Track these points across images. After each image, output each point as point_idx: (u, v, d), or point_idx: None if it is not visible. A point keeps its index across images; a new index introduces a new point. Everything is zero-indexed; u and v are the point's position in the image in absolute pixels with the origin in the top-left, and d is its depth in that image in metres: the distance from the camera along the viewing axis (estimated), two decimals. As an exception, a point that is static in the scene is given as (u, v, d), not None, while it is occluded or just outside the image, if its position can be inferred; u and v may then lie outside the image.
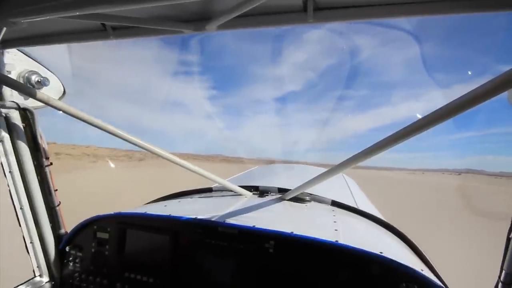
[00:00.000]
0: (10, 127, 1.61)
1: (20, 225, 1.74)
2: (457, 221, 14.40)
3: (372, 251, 1.29)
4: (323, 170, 1.70)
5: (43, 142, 1.75)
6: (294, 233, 1.41)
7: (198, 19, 1.15)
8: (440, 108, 1.06)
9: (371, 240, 1.65)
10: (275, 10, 1.06)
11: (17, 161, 1.65)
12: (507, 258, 1.12)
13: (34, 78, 1.61)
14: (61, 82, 1.84)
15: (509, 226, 1.12)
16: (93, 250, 1.74)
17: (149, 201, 2.33)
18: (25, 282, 1.77)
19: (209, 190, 2.49)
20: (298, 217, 1.84)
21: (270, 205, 1.96)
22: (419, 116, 1.12)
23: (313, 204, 2.14)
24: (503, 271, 1.14)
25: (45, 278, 1.83)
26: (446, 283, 1.46)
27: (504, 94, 1.03)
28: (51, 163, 1.81)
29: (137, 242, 1.67)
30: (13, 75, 1.57)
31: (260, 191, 2.30)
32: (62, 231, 1.86)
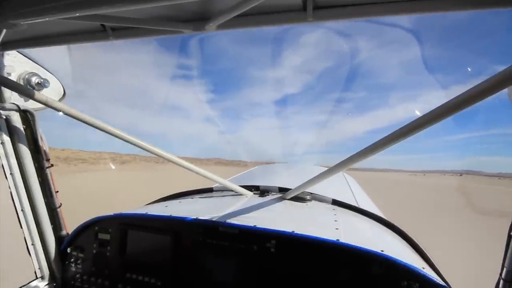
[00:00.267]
0: (11, 129, 1.61)
1: (21, 227, 1.74)
2: (465, 219, 14.42)
3: (373, 249, 1.29)
4: (324, 169, 1.70)
5: (44, 143, 1.75)
6: (295, 232, 1.41)
7: (198, 19, 1.15)
8: (440, 106, 1.06)
9: (372, 238, 1.65)
10: (274, 10, 1.06)
11: (18, 163, 1.65)
12: (508, 255, 1.12)
13: (34, 80, 1.61)
14: (61, 84, 1.85)
15: (510, 223, 1.12)
16: (94, 251, 1.74)
17: (149, 202, 2.34)
18: (26, 284, 1.77)
19: (210, 190, 2.49)
20: (299, 216, 1.84)
21: (271, 204, 1.96)
22: (419, 114, 1.12)
23: (314, 203, 2.14)
24: (505, 268, 1.14)
25: (47, 280, 1.84)
26: (448, 281, 1.46)
27: (504, 93, 1.03)
28: (52, 165, 1.81)
29: (139, 243, 1.67)
30: (13, 77, 1.57)
31: (261, 191, 2.30)
32: (64, 232, 1.87)
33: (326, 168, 1.68)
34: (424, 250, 1.80)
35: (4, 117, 1.57)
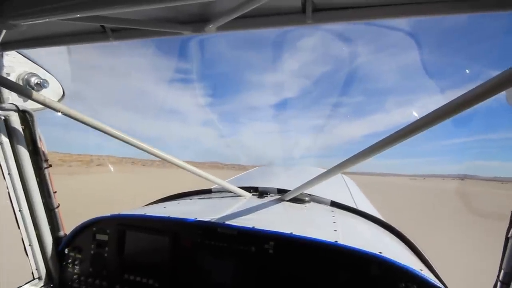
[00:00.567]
0: (9, 129, 1.61)
1: (19, 228, 1.74)
2: (470, 222, 14.42)
3: (371, 251, 1.29)
4: (322, 170, 1.71)
5: (42, 144, 1.75)
6: (294, 233, 1.41)
7: (197, 21, 1.15)
8: (437, 109, 1.07)
9: (371, 240, 1.65)
10: (273, 12, 1.06)
11: (16, 163, 1.65)
12: (505, 257, 1.13)
13: (33, 80, 1.61)
14: (61, 84, 1.85)
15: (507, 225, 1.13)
16: (92, 252, 1.74)
17: (148, 203, 2.33)
18: (24, 285, 1.77)
19: (209, 191, 2.49)
20: (298, 217, 1.84)
21: (269, 206, 1.96)
22: (416, 116, 1.13)
23: (312, 204, 2.14)
24: (502, 271, 1.14)
25: (44, 281, 1.83)
26: (446, 283, 1.46)
27: (502, 96, 1.04)
28: (50, 165, 1.81)
29: (137, 244, 1.67)
30: (12, 77, 1.57)
31: (260, 192, 2.30)
32: (61, 233, 1.86)
33: (325, 170, 1.68)
34: (422, 252, 1.80)
35: (3, 117, 1.57)
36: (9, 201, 1.69)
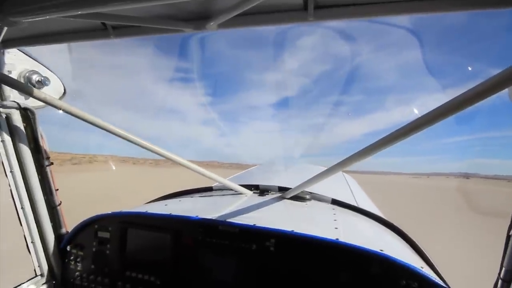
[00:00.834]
0: (11, 127, 1.61)
1: (21, 225, 1.75)
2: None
3: (372, 249, 1.29)
4: (323, 168, 1.71)
5: (44, 142, 1.75)
6: (295, 231, 1.42)
7: (199, 18, 1.15)
8: (439, 107, 1.07)
9: (371, 238, 1.65)
10: (275, 9, 1.06)
11: (18, 161, 1.66)
12: (507, 255, 1.13)
13: (34, 78, 1.61)
14: (62, 82, 1.85)
15: (509, 223, 1.13)
16: (94, 249, 1.75)
17: (149, 200, 2.34)
18: (26, 282, 1.78)
19: (210, 189, 2.49)
20: (299, 215, 1.84)
21: (270, 203, 1.96)
22: (417, 113, 1.13)
23: (313, 202, 2.15)
24: (503, 268, 1.14)
25: (46, 278, 1.84)
26: (447, 280, 1.46)
27: (504, 93, 1.04)
28: (52, 163, 1.81)
29: (138, 241, 1.67)
30: (13, 75, 1.57)
31: (261, 190, 2.30)
32: (63, 230, 1.87)
33: (326, 168, 1.68)
34: (423, 250, 1.80)
35: (5, 115, 1.57)
36: (11, 198, 1.70)
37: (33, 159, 1.70)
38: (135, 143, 1.72)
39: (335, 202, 2.20)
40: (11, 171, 1.65)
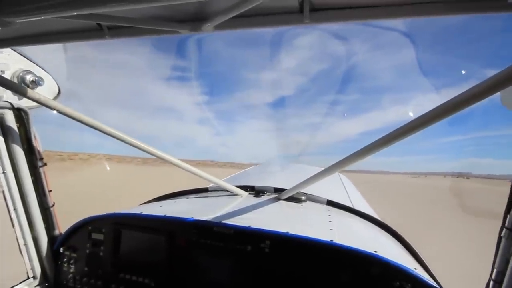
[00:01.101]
0: (4, 127, 1.59)
1: (13, 226, 1.72)
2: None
3: (366, 250, 1.30)
4: (319, 169, 1.71)
5: (37, 142, 1.73)
6: (290, 233, 1.42)
7: (195, 20, 1.14)
8: (435, 108, 1.08)
9: (366, 239, 1.66)
10: (271, 11, 1.06)
11: (10, 162, 1.64)
12: (498, 256, 1.14)
13: (28, 78, 1.60)
14: (56, 82, 1.83)
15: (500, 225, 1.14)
16: (87, 251, 1.73)
17: (144, 202, 2.32)
18: (18, 284, 1.75)
19: (205, 190, 2.49)
20: (294, 217, 1.84)
21: (266, 205, 1.96)
22: (412, 115, 1.14)
23: (308, 203, 2.15)
24: (495, 269, 1.16)
25: (39, 280, 1.81)
26: (440, 281, 1.48)
27: (497, 96, 1.06)
28: (45, 164, 1.80)
29: (133, 243, 1.66)
30: (7, 75, 1.55)
31: (256, 191, 2.30)
32: (56, 232, 1.85)
33: (322, 169, 1.69)
34: (417, 251, 1.82)
35: None
36: (3, 200, 1.68)
37: (26, 160, 1.68)
38: (129, 144, 1.71)
39: (330, 203, 2.21)
40: (3, 172, 1.63)
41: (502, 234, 1.12)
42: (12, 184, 1.65)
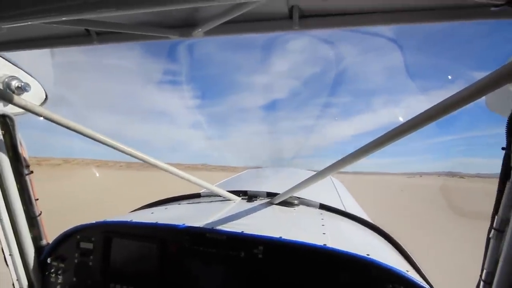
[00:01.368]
0: None
1: (-2, 236, 1.67)
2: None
3: (359, 253, 1.30)
4: (312, 173, 1.72)
5: (23, 150, 1.69)
6: (283, 238, 1.41)
7: (185, 25, 1.14)
8: (424, 112, 1.10)
9: (359, 242, 1.67)
10: (261, 17, 1.07)
11: None
12: (487, 257, 1.16)
13: (14, 84, 1.55)
14: (43, 88, 1.79)
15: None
16: (76, 261, 1.69)
17: (135, 209, 2.29)
18: None
19: (198, 195, 2.46)
20: (287, 221, 1.84)
21: (258, 210, 1.96)
22: (402, 120, 1.16)
23: (301, 208, 2.15)
24: (484, 270, 1.17)
25: None
26: (432, 283, 1.49)
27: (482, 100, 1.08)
28: (32, 172, 1.75)
29: (123, 252, 1.63)
30: None
31: (249, 196, 2.29)
32: (44, 242, 1.80)
33: (314, 172, 1.69)
34: (409, 253, 1.84)
35: None
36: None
37: (12, 168, 1.63)
38: (120, 150, 1.68)
39: (323, 207, 2.22)
40: (-13, 181, 1.58)
41: (491, 235, 1.14)
42: None
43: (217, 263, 1.49)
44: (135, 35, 1.20)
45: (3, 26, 0.92)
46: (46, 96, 1.80)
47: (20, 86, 1.57)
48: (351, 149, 1.42)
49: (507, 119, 1.03)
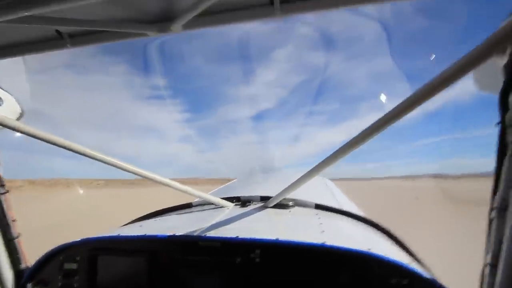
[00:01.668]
0: None
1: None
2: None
3: (360, 249, 1.25)
4: (303, 173, 1.67)
5: None
6: (280, 239, 1.35)
7: (162, 20, 1.09)
8: (412, 95, 1.08)
9: (358, 238, 1.62)
10: (240, 6, 1.03)
11: None
12: (491, 239, 1.13)
13: None
14: (18, 102, 1.69)
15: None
16: (59, 283, 1.56)
17: (123, 224, 2.17)
18: None
19: (189, 205, 2.37)
20: (283, 223, 1.78)
21: (253, 214, 1.89)
22: (383, 103, 1.13)
23: (296, 209, 2.09)
24: (489, 253, 1.14)
25: None
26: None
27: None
28: (8, 191, 1.63)
29: (110, 269, 1.52)
30: None
31: (242, 201, 2.22)
32: (23, 265, 1.66)
33: (305, 172, 1.65)
34: (409, 247, 1.80)
35: None
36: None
37: None
38: (107, 163, 1.57)
39: (318, 206, 2.17)
40: (-42, 203, 1.45)
41: (492, 216, 1.11)
42: None
43: (212, 271, 1.40)
44: (111, 33, 1.14)
45: None
46: (22, 110, 1.70)
47: None
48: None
49: (498, 95, 1.01)
